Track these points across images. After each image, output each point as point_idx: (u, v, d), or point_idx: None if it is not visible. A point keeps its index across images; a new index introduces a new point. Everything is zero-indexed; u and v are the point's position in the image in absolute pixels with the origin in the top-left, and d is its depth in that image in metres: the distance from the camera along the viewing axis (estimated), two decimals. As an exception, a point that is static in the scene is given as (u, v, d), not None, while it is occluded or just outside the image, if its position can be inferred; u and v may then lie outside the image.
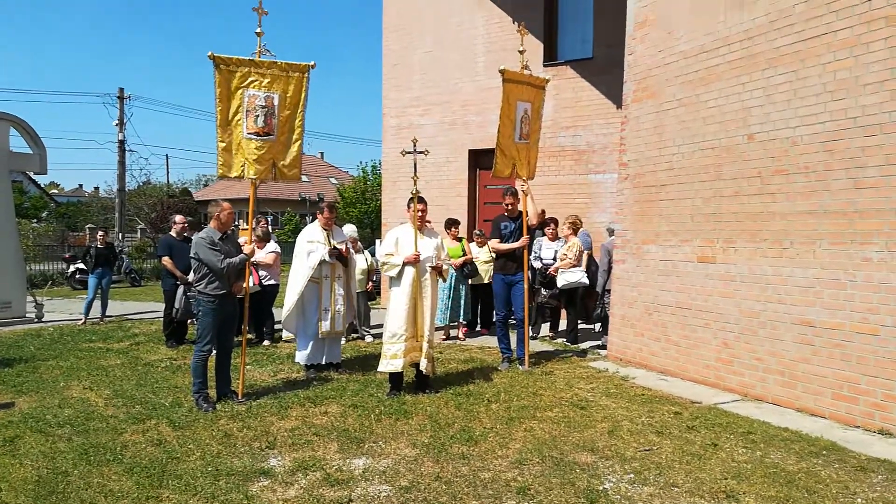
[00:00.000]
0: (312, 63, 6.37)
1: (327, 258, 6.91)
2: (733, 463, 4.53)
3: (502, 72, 7.15)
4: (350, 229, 8.68)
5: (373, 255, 9.54)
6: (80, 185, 66.63)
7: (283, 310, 7.15)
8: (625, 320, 7.73)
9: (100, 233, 11.69)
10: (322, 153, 59.46)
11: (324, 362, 7.10)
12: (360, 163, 58.77)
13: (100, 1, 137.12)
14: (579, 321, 8.99)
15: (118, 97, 28.99)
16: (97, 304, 11.17)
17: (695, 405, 5.97)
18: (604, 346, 8.31)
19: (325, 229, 7.15)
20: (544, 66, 11.01)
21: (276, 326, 8.89)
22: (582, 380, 6.86)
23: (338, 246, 7.06)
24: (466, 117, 11.99)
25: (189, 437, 5.04)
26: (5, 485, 4.13)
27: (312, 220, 7.37)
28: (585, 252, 8.65)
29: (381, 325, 9.72)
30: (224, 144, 6.09)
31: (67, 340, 9.25)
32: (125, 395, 6.25)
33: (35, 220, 36.47)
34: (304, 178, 47.91)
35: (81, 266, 16.84)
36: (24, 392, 6.41)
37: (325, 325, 7.01)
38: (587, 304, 8.94)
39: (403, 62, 12.78)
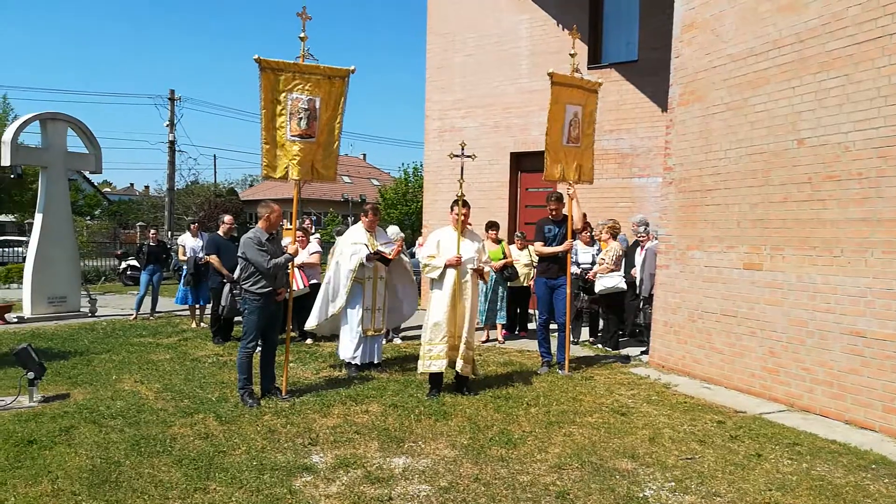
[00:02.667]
0: (353, 68, 6.51)
1: (365, 262, 7.01)
2: (778, 474, 4.45)
3: (551, 75, 7.17)
4: (394, 231, 8.77)
5: (412, 256, 9.61)
6: (132, 184, 68.71)
7: (316, 313, 7.27)
8: (668, 326, 7.64)
9: (152, 231, 12.06)
10: (364, 155, 60.15)
11: (365, 361, 7.20)
12: (402, 164, 59.46)
13: (153, 4, 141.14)
14: (621, 326, 8.90)
15: (169, 99, 29.79)
16: (148, 299, 11.53)
17: (739, 415, 5.87)
18: (646, 352, 8.23)
19: (369, 231, 7.26)
20: (588, 68, 10.94)
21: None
22: (623, 386, 6.80)
23: (381, 248, 7.15)
24: (509, 120, 11.99)
25: (235, 431, 5.18)
26: (61, 473, 4.31)
27: (355, 222, 7.48)
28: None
29: (412, 328, 9.88)
30: (268, 146, 6.25)
31: (119, 335, 9.58)
32: (174, 389, 6.45)
33: (89, 218, 37.80)
34: (346, 179, 48.55)
35: (133, 262, 17.38)
36: (79, 384, 6.67)
37: (367, 323, 7.13)
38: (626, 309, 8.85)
39: (446, 65, 12.85)
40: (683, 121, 7.55)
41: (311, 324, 7.41)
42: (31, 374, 5.92)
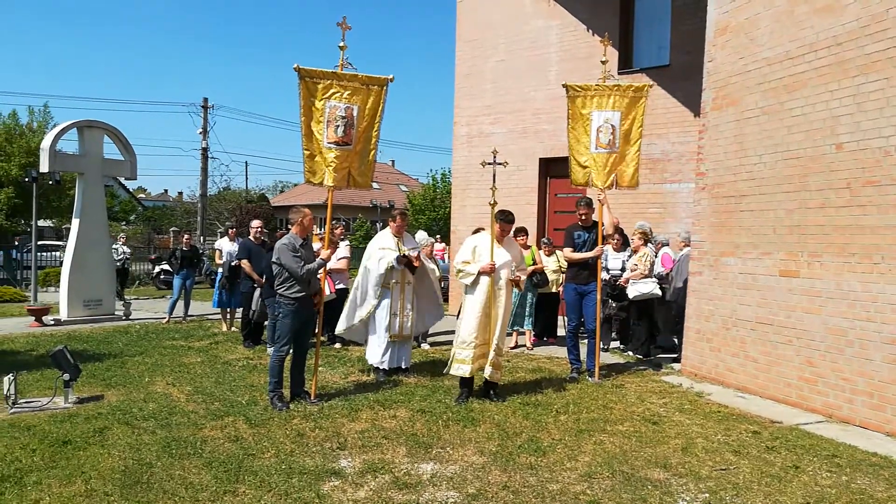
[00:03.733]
0: (391, 77, 6.55)
1: (395, 264, 7.02)
2: (816, 487, 4.32)
3: (565, 86, 7.21)
4: (422, 236, 8.78)
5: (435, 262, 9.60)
6: (166, 190, 69.98)
7: (341, 320, 7.30)
8: (700, 334, 7.50)
9: (185, 236, 12.25)
10: (393, 161, 60.38)
11: (393, 366, 7.20)
12: (430, 171, 59.63)
13: (187, 13, 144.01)
14: (652, 333, 8.77)
15: (202, 106, 30.33)
16: (180, 303, 11.70)
17: (775, 425, 5.72)
18: (677, 360, 8.09)
19: (396, 236, 7.27)
20: (619, 73, 10.84)
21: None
22: (654, 394, 6.69)
23: (408, 253, 7.16)
24: (538, 126, 11.94)
25: (264, 434, 5.21)
26: (95, 473, 4.37)
27: (383, 227, 7.51)
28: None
29: (440, 334, 9.87)
30: (308, 152, 6.34)
31: (152, 338, 9.73)
32: (205, 392, 6.52)
33: (124, 223, 38.57)
34: (375, 185, 48.78)
35: (166, 267, 17.67)
36: (113, 386, 6.78)
37: (395, 328, 7.13)
38: (659, 315, 8.72)
39: (475, 71, 12.86)
40: (717, 125, 7.42)
41: (340, 328, 7.44)
42: (66, 376, 6.03)
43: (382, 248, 7.16)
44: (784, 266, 6.44)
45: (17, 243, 26.24)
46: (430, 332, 9.42)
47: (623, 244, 8.79)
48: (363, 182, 6.65)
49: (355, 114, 6.38)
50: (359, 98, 6.40)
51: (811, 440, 5.28)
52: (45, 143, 11.22)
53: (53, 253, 23.77)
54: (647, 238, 8.64)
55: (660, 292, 8.23)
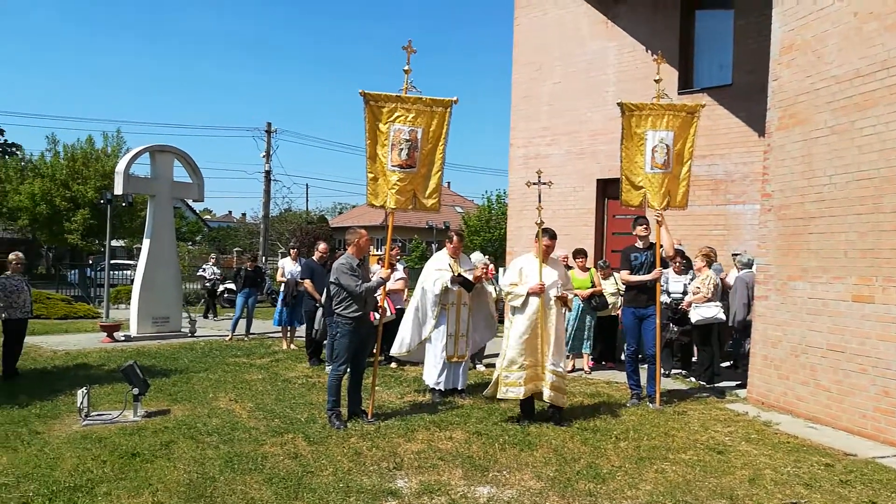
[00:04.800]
0: (455, 98, 6.60)
1: (450, 285, 7.04)
2: (896, 525, 4.08)
3: (620, 105, 7.15)
4: (478, 257, 8.80)
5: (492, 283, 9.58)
6: (230, 212, 72.25)
7: (397, 340, 7.34)
8: (767, 361, 7.23)
9: (250, 256, 12.62)
10: (449, 182, 60.77)
11: (449, 387, 7.20)
12: (486, 192, 59.87)
13: (253, 39, 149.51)
14: (715, 359, 8.50)
15: (266, 131, 31.31)
16: (242, 321, 12.02)
17: (849, 457, 5.45)
18: (743, 387, 7.81)
19: (453, 257, 7.31)
20: (679, 93, 10.69)
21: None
22: (719, 422, 6.47)
23: (464, 273, 7.18)
24: (595, 147, 11.85)
25: (322, 452, 5.27)
26: (161, 486, 4.51)
27: (439, 248, 7.57)
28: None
29: (495, 356, 9.77)
30: (372, 175, 6.45)
31: (216, 354, 10.01)
32: (266, 409, 6.65)
33: (190, 243, 39.98)
34: (432, 206, 49.12)
35: (230, 286, 18.20)
36: (179, 401, 7.00)
37: (451, 349, 7.14)
38: (722, 340, 8.46)
39: (532, 93, 12.89)
40: (783, 145, 7.22)
41: (397, 349, 7.50)
42: (135, 391, 6.27)
43: (438, 269, 7.21)
44: (857, 291, 6.16)
45: (91, 262, 27.55)
46: (486, 354, 9.37)
47: (685, 267, 8.59)
48: (431, 205, 6.67)
49: (419, 136, 6.45)
50: (423, 121, 6.46)
51: (888, 474, 5.00)
52: (120, 166, 11.79)
53: (125, 272, 24.83)
54: (710, 260, 8.42)
55: (724, 317, 7.99)
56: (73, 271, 27.82)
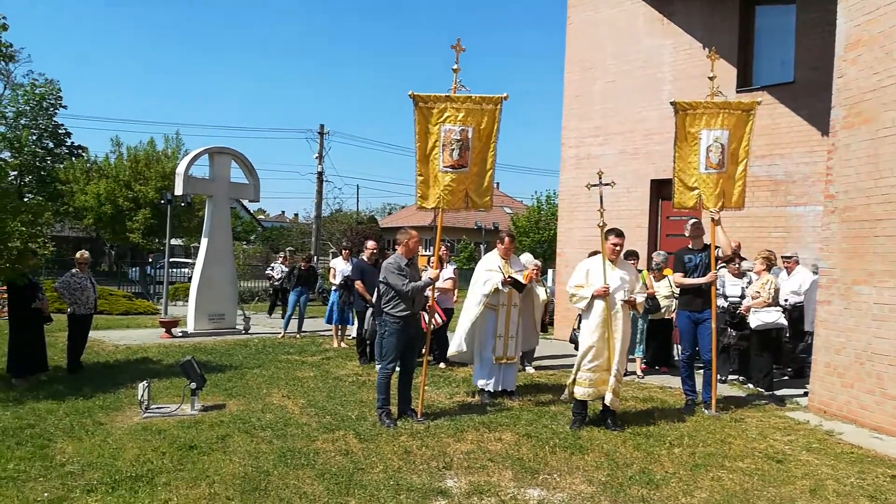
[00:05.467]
0: (505, 95, 6.49)
1: (500, 286, 7.01)
2: (971, 544, 3.87)
3: (673, 104, 6.99)
4: (527, 258, 8.74)
5: (543, 285, 9.49)
6: (283, 212, 73.69)
7: (454, 342, 7.35)
8: (830, 368, 6.96)
9: (304, 256, 12.87)
10: (498, 183, 60.54)
11: (498, 388, 7.16)
12: (535, 192, 59.22)
13: (305, 42, 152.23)
14: (774, 366, 8.23)
15: (318, 133, 31.83)
16: (295, 320, 12.24)
17: (918, 471, 5.20)
18: (805, 395, 7.54)
19: (504, 258, 7.27)
20: (738, 91, 10.40)
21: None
22: (778, 430, 6.26)
23: (514, 275, 7.13)
24: (649, 147, 11.63)
25: (373, 450, 5.32)
26: (217, 478, 4.63)
27: (488, 249, 7.55)
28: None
29: (545, 357, 9.72)
30: (422, 178, 6.41)
31: (269, 351, 10.22)
32: (317, 406, 6.76)
33: (245, 243, 40.95)
34: (480, 207, 49.07)
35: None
36: (234, 396, 7.17)
37: (500, 351, 7.11)
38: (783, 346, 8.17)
39: (585, 93, 12.73)
40: (848, 145, 6.94)
41: (453, 350, 7.49)
42: (193, 385, 6.45)
43: (489, 270, 7.18)
44: (928, 296, 5.88)
45: (150, 260, 28.53)
46: (535, 356, 9.30)
47: (743, 270, 8.34)
48: (483, 203, 6.63)
49: (470, 135, 6.39)
50: (473, 119, 6.40)
51: (963, 490, 4.75)
52: (181, 168, 12.15)
53: (182, 270, 25.62)
54: (770, 263, 8.15)
55: (785, 322, 7.72)
56: (133, 269, 28.88)
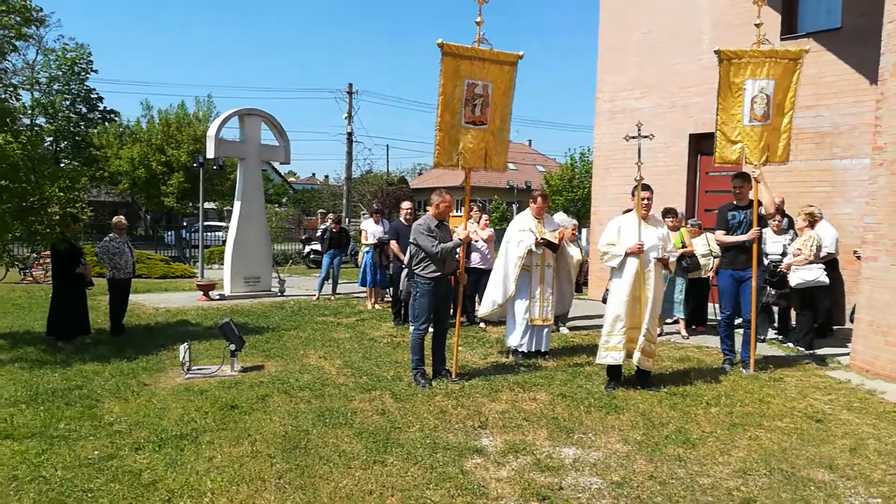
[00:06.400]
0: (521, 53, 6.40)
1: (534, 248, 6.94)
2: None
3: (717, 52, 6.71)
4: (561, 217, 8.63)
5: (578, 244, 9.38)
6: (314, 174, 74.00)
7: (484, 302, 7.34)
8: (874, 327, 6.79)
9: (334, 218, 12.92)
10: (530, 141, 59.87)
11: (532, 350, 7.16)
12: (568, 150, 58.29)
13: (334, 5, 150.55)
14: (816, 324, 8.06)
15: (347, 92, 31.65)
16: (328, 282, 12.36)
17: (965, 430, 5.08)
18: (846, 354, 7.39)
19: (537, 218, 7.19)
20: (781, 39, 9.98)
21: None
22: (818, 389, 6.16)
23: (547, 235, 7.05)
24: (687, 99, 11.29)
25: (409, 409, 5.39)
26: (259, 436, 4.74)
27: (520, 209, 7.47)
28: (826, 249, 7.71)
29: (579, 318, 9.67)
30: (442, 133, 6.21)
31: (304, 313, 10.37)
32: (353, 366, 6.85)
33: (277, 205, 41.32)
34: (511, 166, 48.67)
35: (316, 247, 18.73)
36: (272, 357, 7.30)
37: (535, 312, 7.08)
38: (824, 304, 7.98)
39: (619, 44, 12.36)
40: (899, 93, 6.62)
41: (485, 311, 7.50)
42: (232, 346, 6.58)
43: (522, 231, 7.11)
44: (981, 252, 5.65)
45: (185, 224, 29.00)
46: (569, 317, 9.26)
47: (786, 226, 8.12)
48: (498, 164, 6.51)
49: (490, 91, 6.29)
50: (493, 75, 6.27)
51: None
52: (211, 131, 12.19)
53: (216, 233, 26.01)
54: (813, 219, 7.91)
55: (826, 280, 7.53)
56: (169, 233, 29.42)
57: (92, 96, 34.76)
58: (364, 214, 31.91)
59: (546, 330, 7.26)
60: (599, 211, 12.57)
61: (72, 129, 33.55)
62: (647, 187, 6.10)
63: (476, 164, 6.38)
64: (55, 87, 32.82)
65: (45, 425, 4.94)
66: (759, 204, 6.75)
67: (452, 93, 6.19)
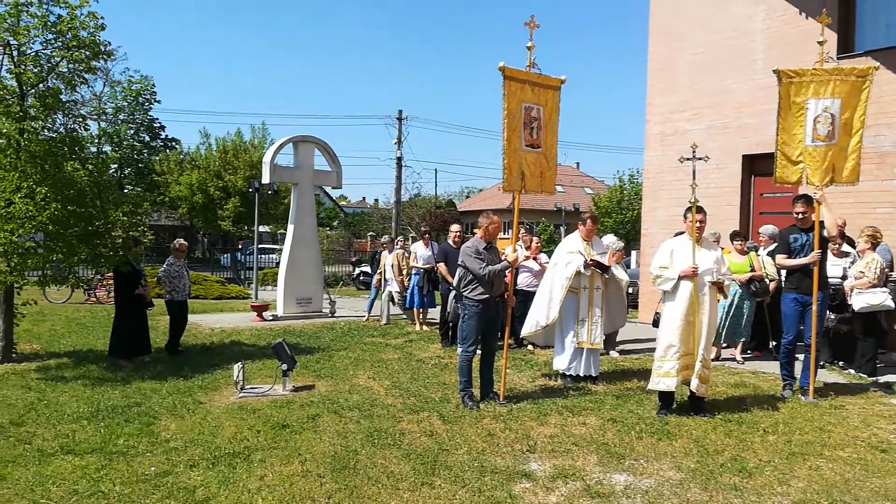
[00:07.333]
0: (563, 78, 6.56)
1: (583, 269, 6.88)
2: None
3: (776, 72, 6.59)
4: (610, 240, 8.54)
5: (627, 267, 9.25)
6: (364, 198, 75.11)
7: (528, 322, 7.29)
8: (943, 353, 6.47)
9: (385, 239, 13.10)
10: (578, 163, 59.47)
11: (581, 374, 7.07)
12: (617, 171, 57.77)
13: (384, 34, 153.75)
14: (880, 350, 7.74)
15: (397, 118, 32.17)
16: (379, 303, 12.48)
17: None
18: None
19: (586, 240, 7.14)
20: (838, 57, 9.71)
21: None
22: (882, 418, 5.89)
23: (596, 257, 6.99)
24: (740, 120, 11.09)
25: (457, 431, 5.38)
26: (309, 456, 4.81)
27: (568, 231, 7.44)
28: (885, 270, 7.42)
29: (629, 342, 9.50)
30: (509, 157, 6.27)
31: (354, 334, 10.49)
32: (401, 387, 6.89)
33: (328, 228, 42.09)
34: (559, 188, 48.43)
35: (366, 269, 18.99)
36: (322, 377, 7.40)
37: (583, 335, 7.00)
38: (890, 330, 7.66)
39: (670, 66, 12.26)
40: (965, 110, 6.37)
41: (527, 331, 7.47)
42: (284, 366, 6.71)
43: (570, 252, 7.07)
44: None
45: (240, 247, 29.80)
46: (619, 340, 9.12)
47: (846, 249, 7.85)
48: (550, 186, 6.63)
49: (541, 115, 6.39)
50: (545, 99, 6.39)
51: None
52: (267, 157, 12.56)
53: (270, 255, 26.62)
54: (875, 241, 7.63)
55: (892, 304, 7.22)
56: (225, 255, 30.26)
57: (155, 125, 36.29)
58: (412, 237, 32.24)
59: (595, 354, 7.17)
60: (649, 233, 12.38)
61: (135, 156, 35.05)
62: (700, 209, 6.01)
63: (535, 188, 6.47)
64: (121, 116, 34.39)
65: (105, 441, 5.12)
66: (822, 226, 6.55)
67: (515, 116, 6.26)
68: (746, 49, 11.08)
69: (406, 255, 11.82)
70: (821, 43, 6.67)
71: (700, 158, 6.23)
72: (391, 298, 11.78)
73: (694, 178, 6.15)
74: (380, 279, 12.07)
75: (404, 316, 11.96)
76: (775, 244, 8.29)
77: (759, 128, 10.70)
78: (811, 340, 6.51)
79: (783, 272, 7.28)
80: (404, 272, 11.57)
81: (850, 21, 10.16)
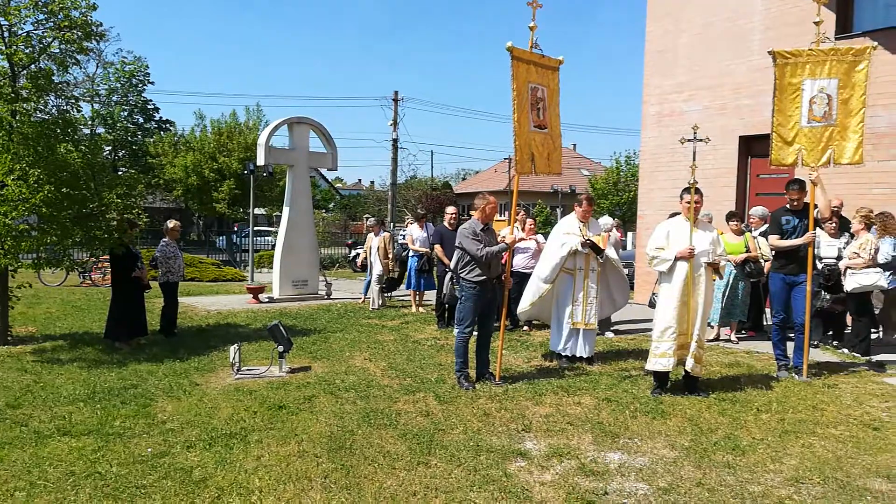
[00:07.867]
0: (561, 59, 6.51)
1: (580, 248, 6.89)
2: None
3: (771, 53, 6.55)
4: (606, 221, 8.54)
5: (624, 248, 9.26)
6: (360, 180, 75.03)
7: (522, 301, 7.30)
8: (935, 333, 6.52)
9: (371, 222, 13.07)
10: (574, 145, 59.28)
11: (577, 354, 7.10)
12: (613, 153, 57.59)
13: (379, 15, 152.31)
14: (872, 330, 7.78)
15: (393, 100, 31.98)
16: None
17: None
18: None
19: (582, 221, 7.14)
20: (836, 38, 9.67)
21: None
22: (874, 397, 5.95)
23: (592, 238, 6.99)
24: (738, 101, 11.06)
25: (452, 411, 5.41)
26: (305, 436, 4.83)
27: (564, 213, 7.43)
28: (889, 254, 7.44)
29: (624, 322, 9.54)
30: (520, 139, 6.17)
31: (350, 316, 10.51)
32: (397, 368, 6.91)
33: (324, 211, 41.99)
34: (556, 170, 48.26)
35: (361, 251, 18.97)
36: (318, 358, 7.42)
37: (577, 316, 7.02)
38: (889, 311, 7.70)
39: (668, 47, 12.19)
40: (962, 90, 6.35)
41: (519, 309, 7.48)
42: (280, 348, 6.72)
43: (567, 234, 7.07)
44: None
45: (236, 229, 29.73)
46: (613, 321, 9.15)
47: (840, 229, 7.86)
48: (557, 168, 6.58)
49: (545, 96, 6.35)
50: (548, 79, 6.37)
51: None
52: (261, 139, 12.49)
53: (266, 238, 26.58)
54: (869, 222, 7.65)
55: (885, 283, 7.26)
56: (220, 238, 30.20)
57: (148, 107, 36.01)
58: (408, 220, 32.20)
59: (591, 334, 7.19)
60: (645, 215, 12.39)
61: (129, 138, 34.80)
62: (697, 191, 6.01)
63: (543, 169, 6.44)
64: (114, 98, 34.10)
65: (102, 423, 5.14)
66: (815, 207, 6.56)
67: (523, 97, 6.20)
68: (744, 30, 11.03)
69: (398, 238, 11.84)
70: (817, 23, 6.62)
71: (700, 140, 6.22)
72: (378, 282, 11.74)
73: (694, 160, 6.14)
74: (363, 260, 12.08)
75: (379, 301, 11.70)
76: (766, 225, 8.33)
77: (756, 109, 10.67)
78: (801, 320, 6.55)
79: (772, 253, 7.31)
80: (390, 255, 11.57)
81: (848, 2, 10.11)
